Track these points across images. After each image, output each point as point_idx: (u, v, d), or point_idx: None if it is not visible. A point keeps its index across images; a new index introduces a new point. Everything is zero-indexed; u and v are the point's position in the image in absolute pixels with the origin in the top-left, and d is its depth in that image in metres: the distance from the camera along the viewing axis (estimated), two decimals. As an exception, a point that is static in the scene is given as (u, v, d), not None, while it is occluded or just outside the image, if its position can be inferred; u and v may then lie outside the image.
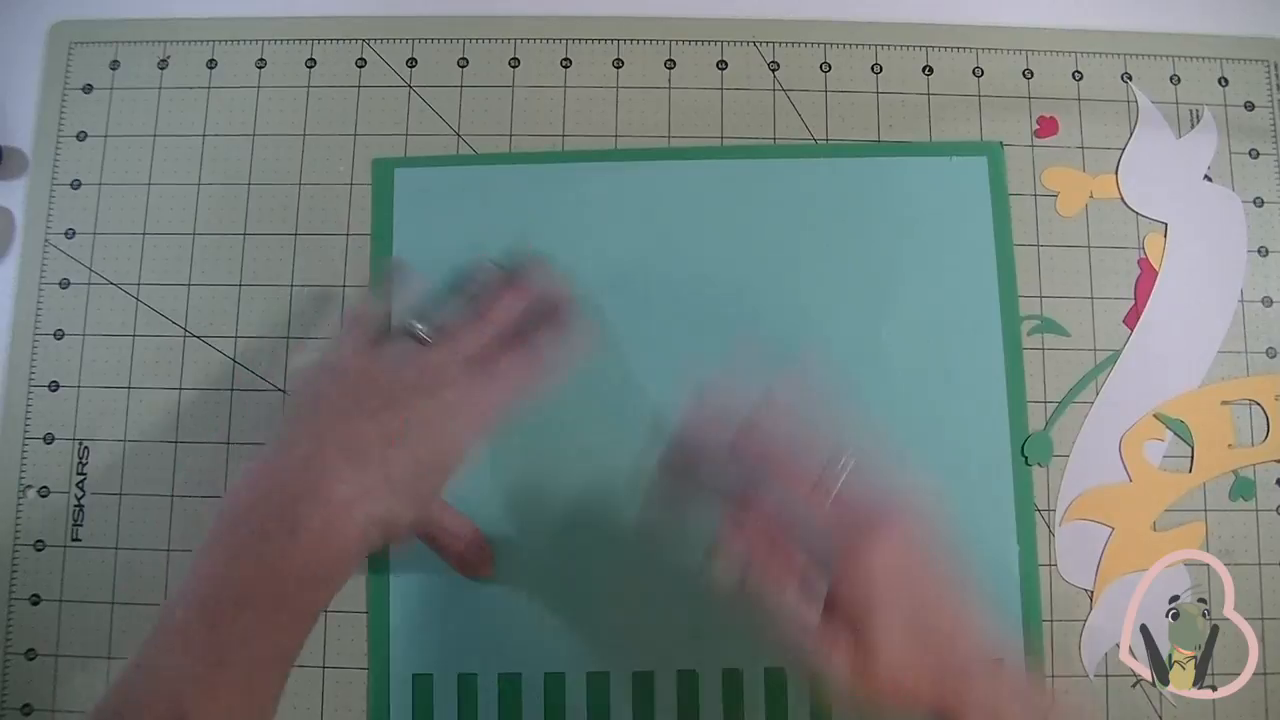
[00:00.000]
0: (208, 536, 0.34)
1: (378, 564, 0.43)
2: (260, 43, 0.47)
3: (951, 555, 0.35)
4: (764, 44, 0.47)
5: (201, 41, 0.47)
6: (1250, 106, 0.47)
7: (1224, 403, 0.45)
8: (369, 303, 0.41)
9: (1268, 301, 0.46)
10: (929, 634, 0.33)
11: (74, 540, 0.44)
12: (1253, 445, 0.45)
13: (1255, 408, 0.45)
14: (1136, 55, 0.47)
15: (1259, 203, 0.46)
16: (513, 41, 0.47)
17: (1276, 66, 0.48)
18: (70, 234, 0.46)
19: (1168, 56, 0.47)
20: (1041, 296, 0.45)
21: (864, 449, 0.35)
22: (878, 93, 0.47)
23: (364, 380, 0.36)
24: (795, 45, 0.47)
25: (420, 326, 0.38)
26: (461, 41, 0.47)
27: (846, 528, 0.34)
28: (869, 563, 0.33)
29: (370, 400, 0.35)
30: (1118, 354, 0.45)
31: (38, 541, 0.44)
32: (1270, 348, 0.45)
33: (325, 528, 0.33)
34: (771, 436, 0.36)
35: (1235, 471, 0.44)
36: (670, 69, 0.47)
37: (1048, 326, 0.45)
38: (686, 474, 0.39)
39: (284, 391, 0.44)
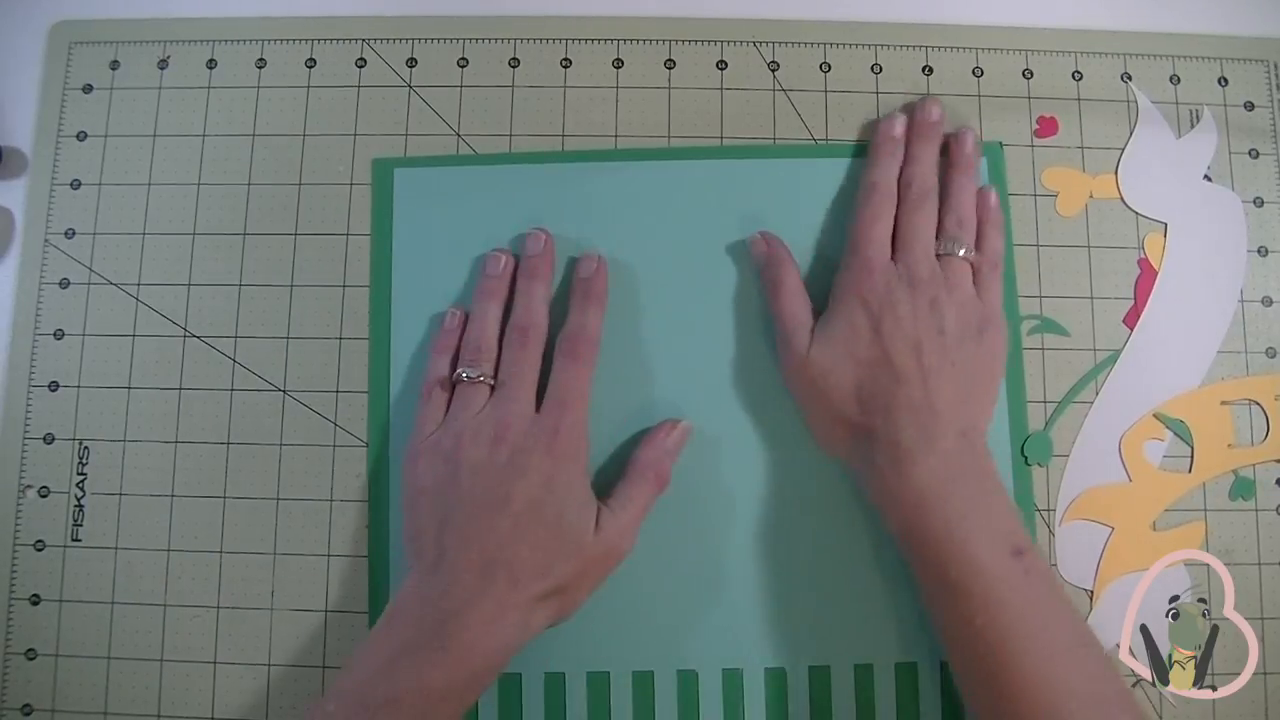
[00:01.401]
0: (372, 635, 0.37)
1: (378, 563, 0.43)
2: (260, 43, 0.47)
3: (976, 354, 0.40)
4: (764, 44, 0.47)
5: (201, 41, 0.47)
6: (1250, 106, 0.47)
7: (1224, 403, 0.45)
8: (437, 366, 0.42)
9: (1268, 301, 0.46)
10: (868, 357, 0.39)
11: (74, 540, 0.44)
12: (1253, 445, 0.45)
13: (1255, 408, 0.45)
14: (1136, 55, 0.47)
15: (1259, 203, 0.46)
16: (513, 41, 0.47)
17: (1276, 66, 0.47)
18: (70, 234, 0.46)
19: (1168, 56, 0.47)
20: (1041, 296, 0.45)
21: None
22: (878, 93, 0.47)
23: (468, 474, 0.38)
24: (795, 45, 0.47)
25: (475, 374, 0.40)
26: (461, 41, 0.47)
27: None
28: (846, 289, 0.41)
29: (483, 499, 0.38)
30: (1118, 354, 0.45)
31: (38, 541, 0.44)
32: (1270, 348, 0.45)
33: (474, 641, 0.36)
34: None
35: (1235, 471, 0.44)
36: (670, 69, 0.47)
37: (1048, 326, 0.45)
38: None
39: (283, 391, 0.44)
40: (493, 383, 0.41)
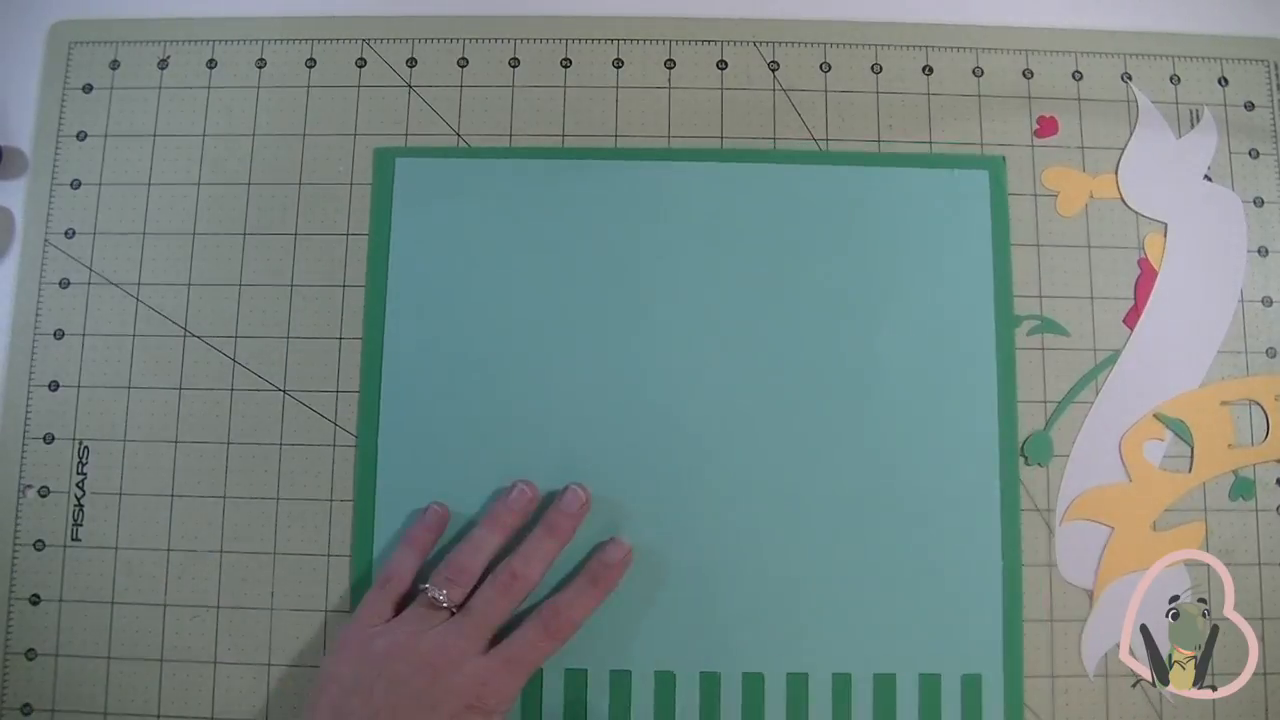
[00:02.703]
0: None
1: (361, 562, 0.43)
2: (260, 43, 0.47)
3: None
4: (764, 44, 0.47)
5: (201, 41, 0.47)
6: (1250, 106, 0.47)
7: (1224, 403, 0.45)
8: (403, 561, 0.41)
9: (1268, 301, 0.46)
10: None
11: (74, 540, 0.44)
12: (1253, 445, 0.45)
13: (1255, 408, 0.45)
14: (1136, 55, 0.47)
15: (1259, 203, 0.46)
16: (513, 41, 0.47)
17: (1276, 66, 0.48)
18: (70, 234, 0.46)
19: (1168, 56, 0.47)
20: (1041, 296, 0.45)
21: None
22: (878, 93, 0.47)
23: (383, 687, 0.37)
24: (795, 45, 0.47)
25: (442, 600, 0.39)
26: (461, 41, 0.47)
27: None
28: None
29: (382, 717, 0.36)
30: (1117, 354, 0.45)
31: (38, 541, 0.44)
32: (1270, 348, 0.45)
33: None
34: None
35: (1235, 471, 0.44)
36: (670, 69, 0.47)
37: (1047, 326, 0.45)
38: None
39: (283, 391, 0.44)
40: (455, 609, 0.39)
